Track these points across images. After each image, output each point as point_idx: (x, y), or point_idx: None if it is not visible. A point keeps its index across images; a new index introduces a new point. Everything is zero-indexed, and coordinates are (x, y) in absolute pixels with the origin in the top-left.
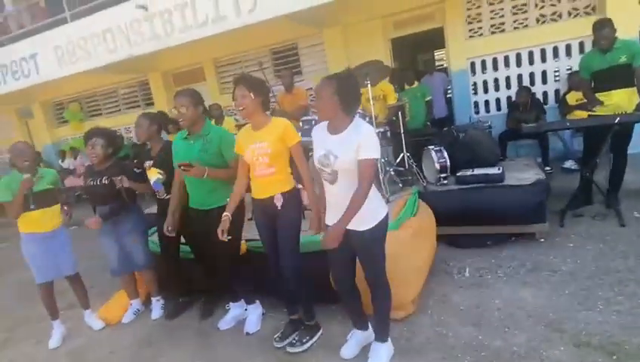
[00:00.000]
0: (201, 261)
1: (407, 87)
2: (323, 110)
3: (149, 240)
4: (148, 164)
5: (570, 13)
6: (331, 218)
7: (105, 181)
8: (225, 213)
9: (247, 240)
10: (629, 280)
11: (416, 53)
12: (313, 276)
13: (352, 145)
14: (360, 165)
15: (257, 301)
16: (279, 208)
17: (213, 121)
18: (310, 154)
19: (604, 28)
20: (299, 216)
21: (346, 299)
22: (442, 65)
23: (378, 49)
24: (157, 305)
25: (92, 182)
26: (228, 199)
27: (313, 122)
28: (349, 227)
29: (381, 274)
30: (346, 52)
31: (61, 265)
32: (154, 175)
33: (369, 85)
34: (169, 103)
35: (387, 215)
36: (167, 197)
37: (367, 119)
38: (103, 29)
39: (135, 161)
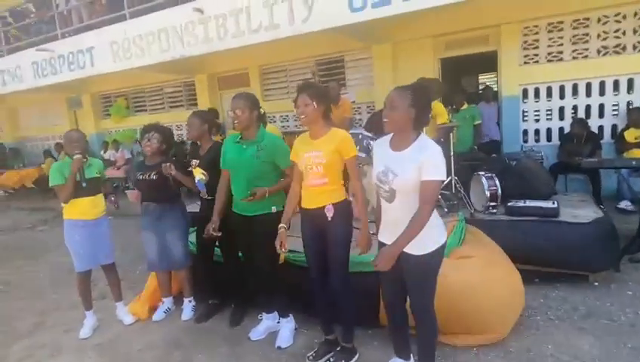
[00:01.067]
0: (236, 267)
1: (455, 108)
2: (396, 122)
3: (188, 240)
4: (195, 162)
5: (635, 47)
6: (386, 237)
7: (154, 176)
8: (281, 225)
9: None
10: None
11: (461, 76)
12: (358, 296)
13: (415, 164)
14: (422, 186)
15: (291, 315)
16: (329, 219)
17: None
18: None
19: None
20: (350, 230)
21: (394, 325)
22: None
23: (427, 68)
24: (188, 306)
25: (142, 176)
26: (274, 207)
27: (360, 136)
28: (404, 249)
29: (429, 305)
30: (393, 68)
31: (100, 254)
32: (197, 175)
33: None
34: (211, 105)
35: (446, 242)
36: (210, 198)
37: None
38: (158, 29)
39: (187, 157)
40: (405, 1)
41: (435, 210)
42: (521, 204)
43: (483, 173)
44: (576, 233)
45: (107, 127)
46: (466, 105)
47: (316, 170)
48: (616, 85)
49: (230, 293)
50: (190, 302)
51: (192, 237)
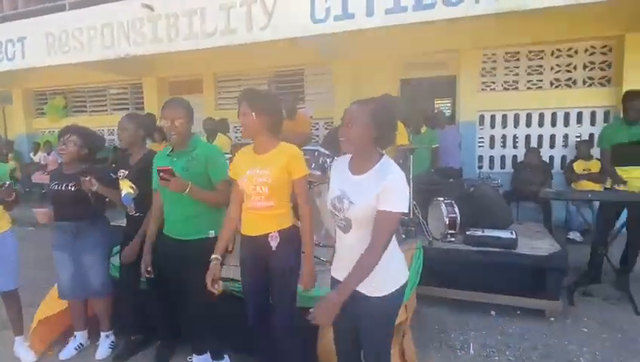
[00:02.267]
0: (165, 298)
1: (414, 131)
2: (353, 140)
3: (110, 262)
4: (122, 173)
5: (585, 82)
6: (339, 272)
7: (71, 188)
8: (214, 256)
9: (225, 280)
10: None
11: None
12: (306, 336)
13: (375, 191)
14: (378, 217)
15: (226, 356)
16: (273, 249)
17: (204, 137)
18: (312, 187)
19: (635, 99)
20: (297, 262)
21: None
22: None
23: (387, 87)
24: (105, 342)
25: (57, 187)
26: (211, 231)
27: (316, 153)
28: (359, 289)
29: (386, 357)
30: (353, 85)
31: None
32: (125, 188)
33: None
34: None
35: (406, 283)
36: (137, 214)
37: None
38: (102, 23)
39: (113, 166)
40: (368, 16)
41: (395, 242)
42: (479, 233)
43: (442, 198)
44: (532, 265)
45: (40, 127)
46: (425, 128)
47: (260, 191)
48: (566, 117)
49: (156, 328)
50: (108, 337)
51: (116, 259)
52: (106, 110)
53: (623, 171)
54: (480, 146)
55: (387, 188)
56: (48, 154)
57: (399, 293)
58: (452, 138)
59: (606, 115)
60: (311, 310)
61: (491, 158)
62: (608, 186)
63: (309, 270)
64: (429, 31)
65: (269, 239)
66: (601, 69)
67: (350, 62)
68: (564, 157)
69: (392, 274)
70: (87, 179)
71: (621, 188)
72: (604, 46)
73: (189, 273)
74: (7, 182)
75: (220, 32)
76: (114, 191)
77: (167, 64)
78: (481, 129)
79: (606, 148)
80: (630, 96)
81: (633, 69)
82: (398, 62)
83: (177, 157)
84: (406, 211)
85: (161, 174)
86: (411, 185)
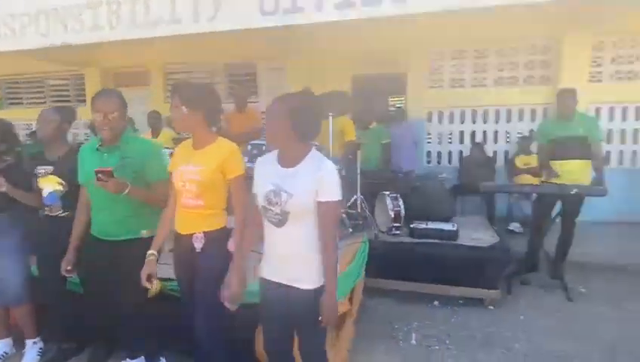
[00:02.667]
0: (96, 302)
1: (363, 127)
2: (274, 134)
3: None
4: (44, 170)
5: (525, 80)
6: (269, 271)
7: None
8: (150, 252)
9: (163, 279)
10: None
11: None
12: (234, 337)
13: (311, 182)
14: (323, 208)
15: (163, 359)
16: (197, 250)
17: (149, 132)
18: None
19: (568, 97)
20: (222, 265)
21: None
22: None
23: (341, 83)
24: (32, 350)
25: None
26: (144, 230)
27: (264, 148)
28: (289, 283)
29: (322, 347)
30: (308, 79)
31: None
32: (51, 184)
33: (331, 117)
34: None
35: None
36: (63, 214)
37: (324, 152)
38: (37, 9)
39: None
40: (318, 10)
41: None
42: (423, 225)
43: (388, 192)
44: (472, 256)
45: None
46: (374, 124)
47: (189, 188)
48: (509, 114)
49: (88, 333)
50: (35, 344)
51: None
52: (45, 102)
53: (560, 164)
54: (428, 142)
55: (323, 178)
56: None
57: None
58: (408, 136)
59: (545, 111)
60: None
61: (439, 154)
62: (544, 179)
63: (236, 272)
64: (380, 28)
65: (193, 240)
66: (541, 68)
67: (304, 58)
68: (506, 152)
69: (322, 267)
70: None
71: (554, 180)
72: (544, 46)
73: (121, 274)
74: None
75: (165, 21)
76: (29, 194)
77: (112, 54)
78: (430, 125)
79: (542, 143)
80: (563, 94)
81: (569, 68)
82: (351, 58)
83: (108, 153)
84: (341, 198)
85: (99, 175)
86: (359, 180)
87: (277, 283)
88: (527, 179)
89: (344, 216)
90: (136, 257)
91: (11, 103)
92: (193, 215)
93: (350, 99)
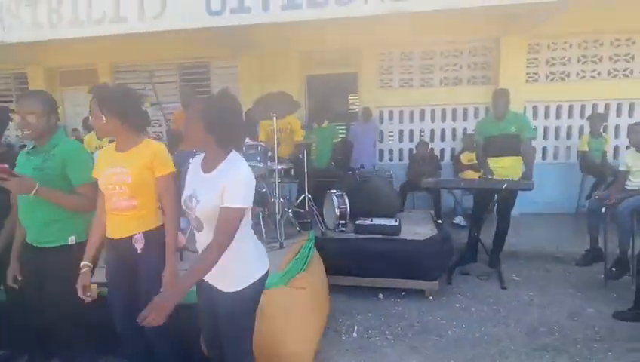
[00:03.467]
0: (29, 310)
1: (316, 125)
2: (187, 138)
3: None
4: None
5: (469, 81)
6: None
7: None
8: (84, 263)
9: (98, 284)
10: (510, 351)
11: (332, 95)
12: (180, 335)
13: (218, 188)
14: (219, 215)
15: None
16: (139, 251)
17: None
18: None
19: (501, 97)
20: (162, 264)
21: None
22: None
23: (293, 83)
24: None
25: None
26: (71, 236)
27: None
28: (214, 283)
29: (245, 350)
30: (260, 80)
31: None
32: None
33: (275, 118)
34: None
35: (266, 274)
36: None
37: (270, 153)
38: None
39: None
40: (265, 11)
41: (254, 238)
42: (367, 222)
43: (334, 191)
44: (413, 249)
45: None
46: (326, 123)
47: (121, 190)
48: (454, 113)
49: (23, 341)
50: None
51: None
52: None
53: (494, 161)
54: (379, 142)
55: (228, 185)
56: None
57: (256, 287)
58: (369, 135)
59: (487, 110)
60: (143, 312)
61: (390, 151)
62: (481, 175)
63: (170, 271)
64: (330, 28)
65: (134, 242)
66: (483, 69)
67: (256, 56)
68: (453, 150)
69: (247, 267)
70: None
71: (490, 175)
72: (485, 47)
73: (48, 284)
74: None
75: (108, 18)
76: None
77: (57, 52)
78: (381, 124)
79: (479, 140)
80: (497, 95)
81: (507, 69)
82: (305, 58)
83: (34, 155)
84: (248, 206)
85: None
86: (306, 180)
87: (206, 282)
88: (471, 174)
89: (291, 215)
90: (63, 264)
91: None
92: (127, 217)
93: (294, 100)
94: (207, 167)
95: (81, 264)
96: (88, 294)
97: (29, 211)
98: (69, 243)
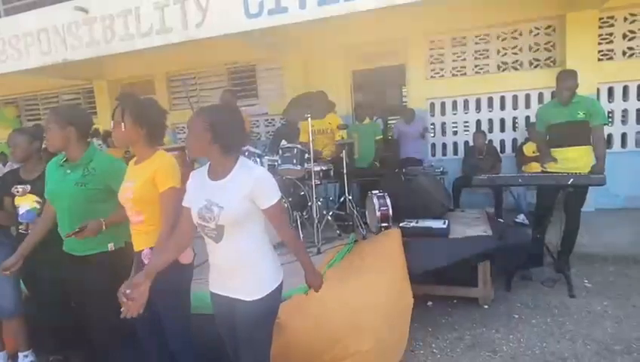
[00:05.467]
0: (74, 315)
1: (357, 123)
2: (195, 149)
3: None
4: (22, 189)
5: (531, 63)
6: (217, 284)
7: None
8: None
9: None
10: None
11: (381, 90)
12: (205, 344)
13: (243, 193)
14: (268, 214)
15: None
16: None
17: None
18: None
19: (568, 79)
20: (176, 280)
21: None
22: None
23: (338, 80)
24: None
25: None
26: (111, 243)
27: (247, 153)
28: (234, 295)
29: (263, 359)
30: (305, 79)
31: None
32: (28, 203)
33: (309, 119)
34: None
35: (281, 285)
36: None
37: (307, 155)
38: (38, 29)
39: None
40: (301, 9)
41: (268, 244)
42: (412, 224)
43: (375, 192)
44: (464, 253)
45: None
46: (367, 120)
47: (129, 206)
48: (515, 100)
49: (74, 348)
50: (26, 357)
51: None
52: None
53: (558, 152)
54: (432, 136)
55: (256, 187)
56: (4, 165)
57: (275, 296)
58: (414, 131)
59: (553, 95)
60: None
61: (444, 145)
62: (542, 168)
63: (145, 281)
64: (374, 21)
65: (142, 257)
66: (547, 50)
67: (299, 56)
68: (514, 140)
69: (265, 276)
70: None
71: (551, 166)
72: (548, 27)
73: (89, 290)
74: None
75: (155, 31)
76: (3, 213)
77: (118, 66)
78: (432, 116)
79: (539, 129)
80: (562, 77)
81: (575, 49)
82: (349, 53)
83: (72, 170)
84: (280, 195)
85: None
86: (346, 180)
87: (224, 296)
88: (536, 167)
89: (330, 218)
90: (103, 271)
91: (30, 119)
92: (138, 232)
93: (329, 100)
94: (218, 174)
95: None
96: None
97: (69, 222)
98: (109, 249)
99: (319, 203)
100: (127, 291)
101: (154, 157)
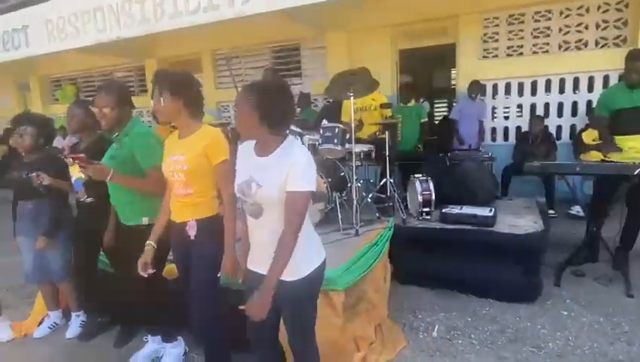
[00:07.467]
0: (118, 281)
1: (401, 104)
2: (242, 126)
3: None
4: (71, 159)
5: (597, 43)
6: (254, 261)
7: (35, 174)
8: (148, 242)
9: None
10: None
11: (428, 70)
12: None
13: (280, 172)
14: (287, 199)
15: (180, 338)
16: (192, 238)
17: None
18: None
19: (638, 60)
20: (216, 251)
21: None
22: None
23: (385, 59)
24: (76, 322)
25: (26, 175)
26: (145, 218)
27: (287, 131)
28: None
29: (310, 341)
30: (349, 58)
31: None
32: (76, 173)
33: (352, 97)
34: None
35: (324, 262)
36: (88, 200)
37: (349, 135)
38: (94, 7)
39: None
40: None
41: (308, 223)
42: (456, 210)
43: (419, 175)
44: (507, 244)
45: (57, 113)
46: (413, 102)
47: (178, 178)
48: (576, 83)
49: (117, 310)
50: (78, 316)
51: None
52: None
53: (623, 140)
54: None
55: (292, 169)
56: (63, 138)
57: (316, 275)
58: (476, 113)
59: (620, 78)
60: (241, 307)
61: (493, 130)
62: (603, 157)
63: (229, 257)
64: None
65: (187, 228)
66: (616, 28)
67: (344, 34)
68: (573, 127)
69: (305, 256)
70: (35, 175)
71: (614, 156)
72: (620, 1)
73: (125, 257)
74: None
75: (202, 8)
76: (66, 182)
77: (167, 44)
78: (482, 99)
79: (602, 114)
80: (632, 57)
81: None
82: (396, 31)
83: (117, 143)
84: (313, 190)
85: (76, 161)
86: (388, 163)
87: (260, 273)
88: (596, 155)
89: (369, 200)
90: (135, 242)
91: (88, 96)
92: (184, 204)
93: (373, 78)
94: (263, 151)
95: (146, 242)
96: (148, 271)
97: (113, 193)
98: (143, 223)
99: (359, 184)
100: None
101: (201, 132)
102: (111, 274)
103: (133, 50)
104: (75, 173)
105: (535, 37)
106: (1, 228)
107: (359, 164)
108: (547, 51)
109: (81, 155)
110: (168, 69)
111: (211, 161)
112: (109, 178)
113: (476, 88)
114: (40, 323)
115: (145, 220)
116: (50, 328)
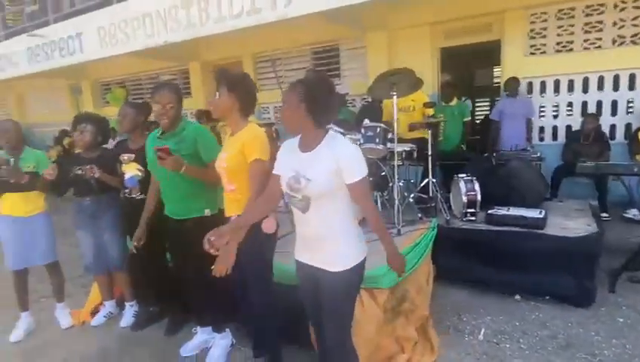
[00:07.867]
0: (170, 274)
1: (443, 103)
2: (289, 120)
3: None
4: (128, 157)
5: None
6: (302, 253)
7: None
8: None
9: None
10: None
11: (470, 68)
12: (285, 312)
13: (329, 166)
14: (352, 190)
15: (227, 329)
16: None
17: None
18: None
19: None
20: (261, 246)
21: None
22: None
23: (425, 58)
24: (129, 312)
25: (82, 171)
26: (207, 209)
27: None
28: (319, 265)
29: (345, 336)
30: (389, 58)
31: (33, 253)
32: (131, 170)
33: (394, 96)
34: (207, 95)
35: (364, 260)
36: (141, 197)
37: (390, 134)
38: (143, 13)
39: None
40: None
41: (351, 219)
42: (503, 211)
43: (463, 175)
44: (559, 248)
45: (108, 115)
46: (455, 101)
47: (223, 174)
48: (632, 80)
49: (169, 301)
50: (132, 306)
51: None
52: None
53: None
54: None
55: (344, 161)
56: (113, 139)
57: (358, 272)
58: (521, 111)
59: None
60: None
61: (541, 129)
62: None
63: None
64: None
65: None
66: None
67: (384, 34)
68: (628, 126)
69: (348, 250)
70: (88, 167)
71: None
72: None
73: (186, 251)
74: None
75: (246, 12)
76: (116, 178)
77: (210, 48)
78: (530, 97)
79: None
80: None
81: None
82: (436, 29)
83: (166, 140)
84: (367, 171)
85: (159, 153)
86: (430, 162)
87: (309, 265)
88: None
89: (411, 200)
90: (200, 234)
91: (136, 99)
92: (230, 199)
93: (417, 77)
94: (307, 146)
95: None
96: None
97: (170, 187)
98: (205, 215)
99: (401, 184)
100: (212, 238)
101: (245, 130)
102: (163, 266)
103: (178, 54)
104: (131, 170)
105: (586, 32)
106: (66, 223)
107: (400, 163)
108: (600, 47)
109: (167, 146)
110: (226, 67)
111: (246, 158)
112: (183, 169)
113: (513, 85)
114: (95, 311)
115: (207, 212)
116: (106, 317)
